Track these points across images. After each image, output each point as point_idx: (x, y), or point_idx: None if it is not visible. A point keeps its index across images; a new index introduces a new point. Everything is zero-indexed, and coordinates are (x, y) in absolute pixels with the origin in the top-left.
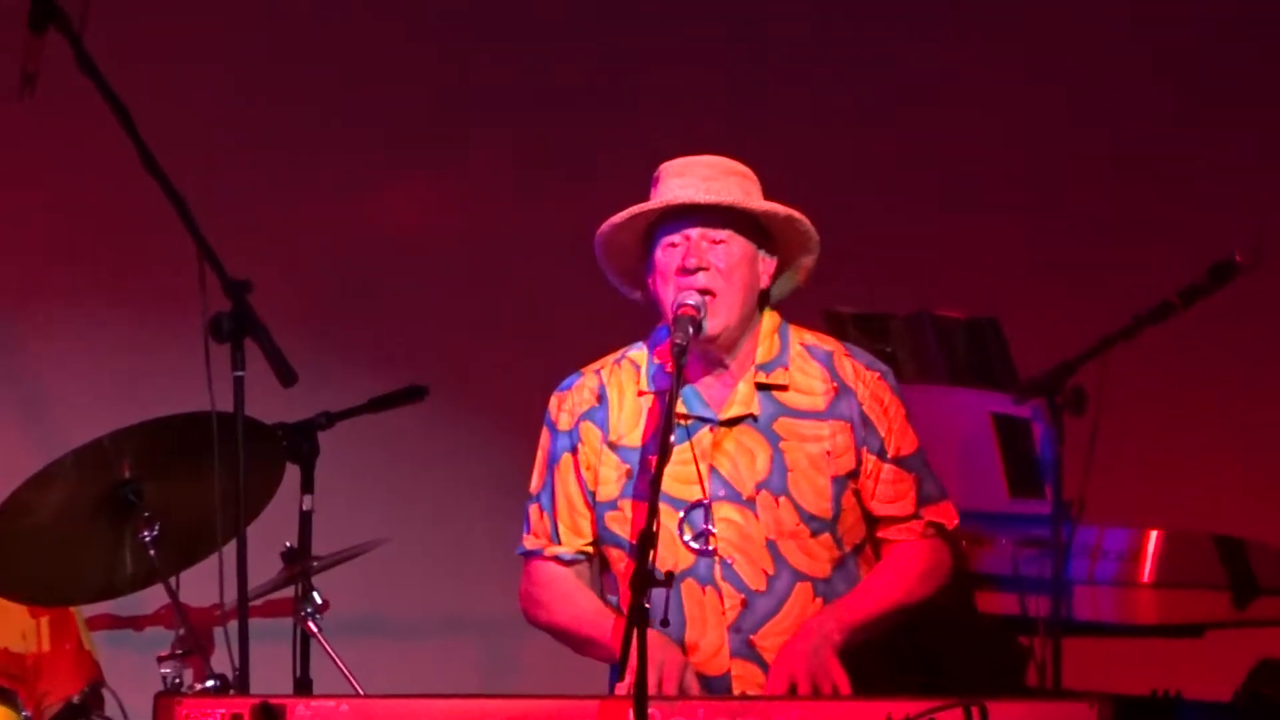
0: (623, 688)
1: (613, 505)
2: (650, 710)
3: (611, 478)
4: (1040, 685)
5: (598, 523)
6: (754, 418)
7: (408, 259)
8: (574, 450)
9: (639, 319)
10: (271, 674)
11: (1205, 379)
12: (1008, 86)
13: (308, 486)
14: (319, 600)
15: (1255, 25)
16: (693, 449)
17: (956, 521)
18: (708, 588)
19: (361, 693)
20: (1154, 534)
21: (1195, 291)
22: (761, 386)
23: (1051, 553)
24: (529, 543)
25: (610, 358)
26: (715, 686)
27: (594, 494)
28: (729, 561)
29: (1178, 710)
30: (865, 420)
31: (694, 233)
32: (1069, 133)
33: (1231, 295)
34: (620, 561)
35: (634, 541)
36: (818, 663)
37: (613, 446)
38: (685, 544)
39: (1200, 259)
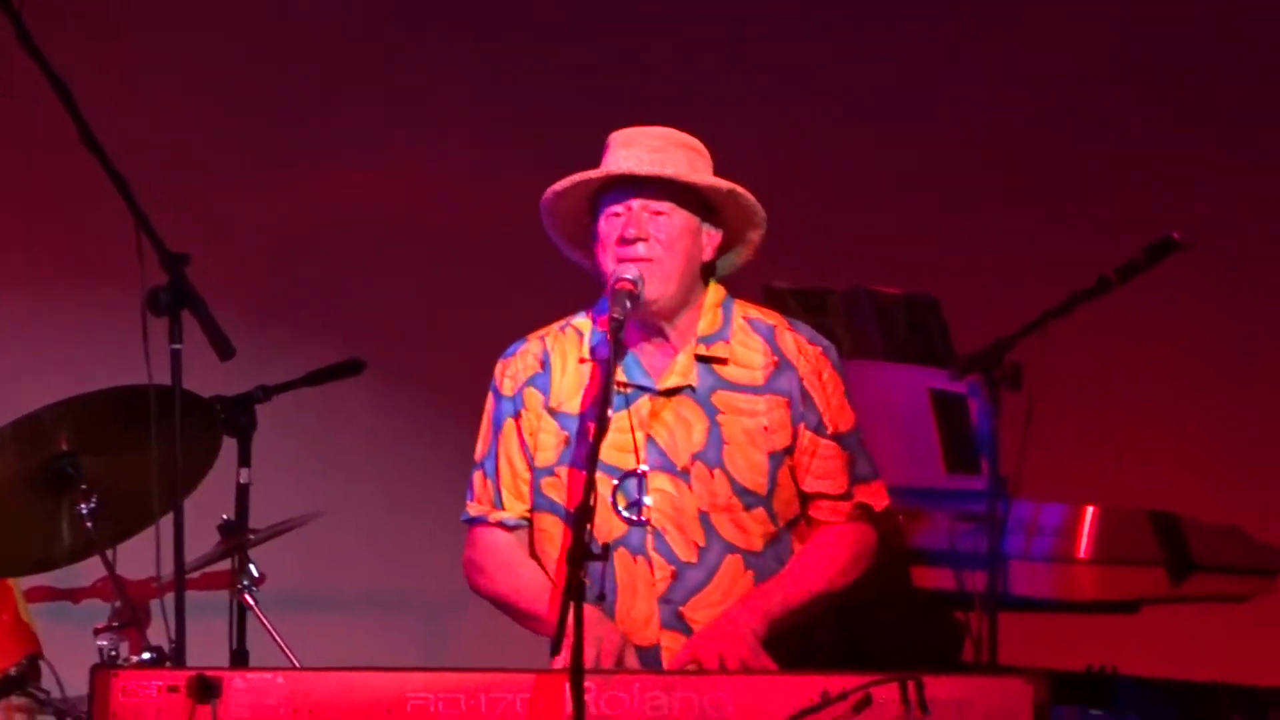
0: (559, 662)
1: (550, 472)
2: (586, 684)
3: (550, 444)
4: (976, 660)
5: (534, 488)
6: (692, 389)
7: (349, 235)
8: (517, 416)
9: (582, 297)
10: (208, 646)
11: (1142, 356)
12: (959, 70)
13: (245, 460)
14: (256, 573)
15: (1209, 23)
16: (630, 418)
17: (886, 503)
18: (639, 558)
19: (298, 665)
20: (1090, 510)
21: (1132, 269)
22: (701, 359)
23: (988, 528)
24: (473, 509)
25: (555, 325)
26: (645, 657)
27: (534, 459)
28: (661, 532)
29: (1113, 686)
30: (805, 395)
31: (635, 203)
32: (1019, 111)
33: (1168, 274)
34: (554, 528)
35: (569, 509)
36: (744, 648)
37: (552, 413)
38: (618, 513)
39: (1140, 240)
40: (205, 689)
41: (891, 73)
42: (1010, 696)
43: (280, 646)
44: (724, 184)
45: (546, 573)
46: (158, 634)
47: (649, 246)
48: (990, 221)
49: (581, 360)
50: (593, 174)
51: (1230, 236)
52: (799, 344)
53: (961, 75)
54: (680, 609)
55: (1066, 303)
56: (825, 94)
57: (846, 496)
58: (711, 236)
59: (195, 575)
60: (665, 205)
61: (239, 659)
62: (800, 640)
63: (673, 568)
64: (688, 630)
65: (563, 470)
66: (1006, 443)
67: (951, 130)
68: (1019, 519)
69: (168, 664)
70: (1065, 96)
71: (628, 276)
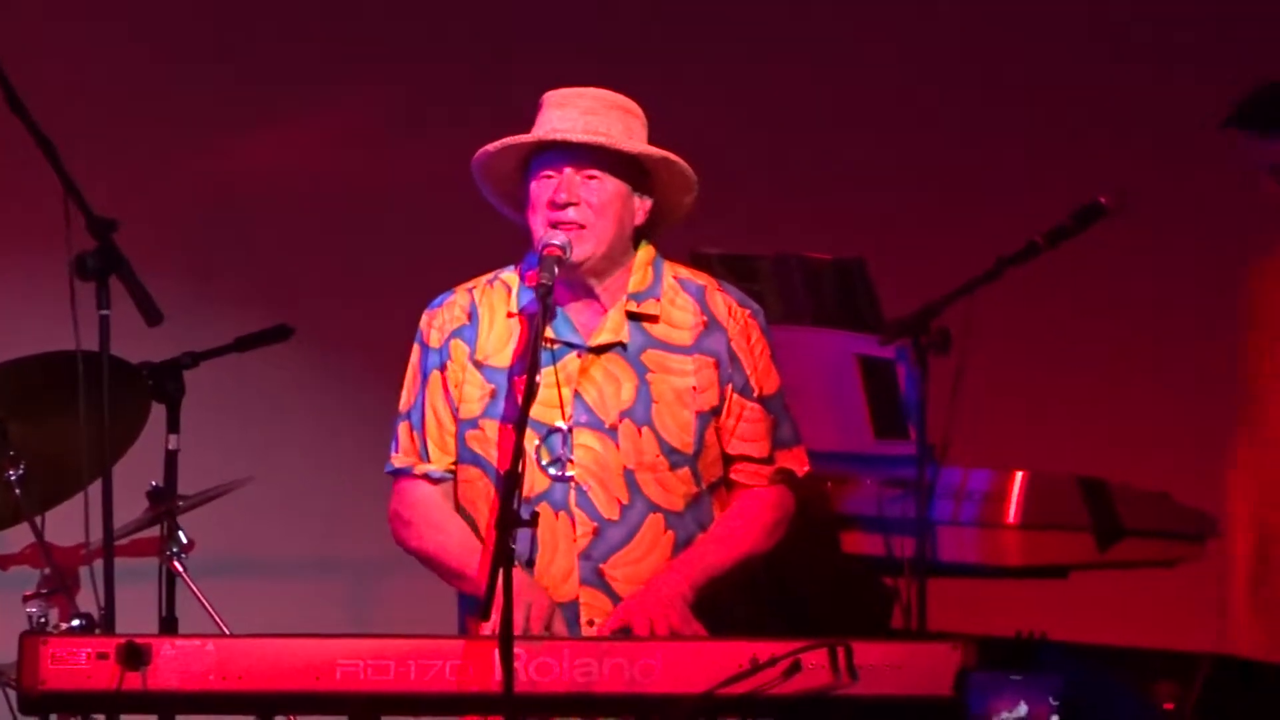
0: (487, 628)
1: (474, 424)
2: (516, 650)
3: (475, 396)
4: (905, 626)
5: (459, 440)
6: (623, 346)
7: (277, 200)
8: (443, 367)
9: (509, 252)
10: (137, 613)
11: (1071, 320)
12: (892, 34)
13: (173, 426)
14: (184, 540)
15: None
16: (556, 374)
17: (807, 468)
18: (561, 513)
19: (227, 632)
20: (1018, 475)
21: (1060, 233)
22: (632, 316)
23: (916, 494)
24: (398, 460)
25: (483, 278)
26: (564, 613)
27: (458, 411)
28: (584, 488)
29: (1042, 651)
30: (732, 357)
31: (568, 169)
32: (943, 76)
33: (1097, 239)
34: (479, 480)
35: (493, 464)
36: (674, 613)
37: (478, 365)
38: (541, 468)
39: (1069, 205)
40: (134, 656)
41: (823, 37)
42: (938, 662)
43: (209, 613)
44: (657, 151)
45: (473, 524)
46: (87, 601)
47: (579, 211)
48: (921, 184)
49: (509, 315)
50: (524, 138)
51: (1160, 203)
52: (729, 305)
53: (894, 39)
54: (600, 566)
55: (994, 268)
56: (758, 59)
57: (768, 461)
58: (642, 202)
59: (124, 542)
60: (597, 170)
61: (168, 626)
62: (729, 606)
63: (594, 524)
64: (607, 587)
65: (487, 424)
66: (935, 408)
67: (882, 92)
68: (947, 485)
69: (97, 631)
70: (995, 58)
71: (555, 243)
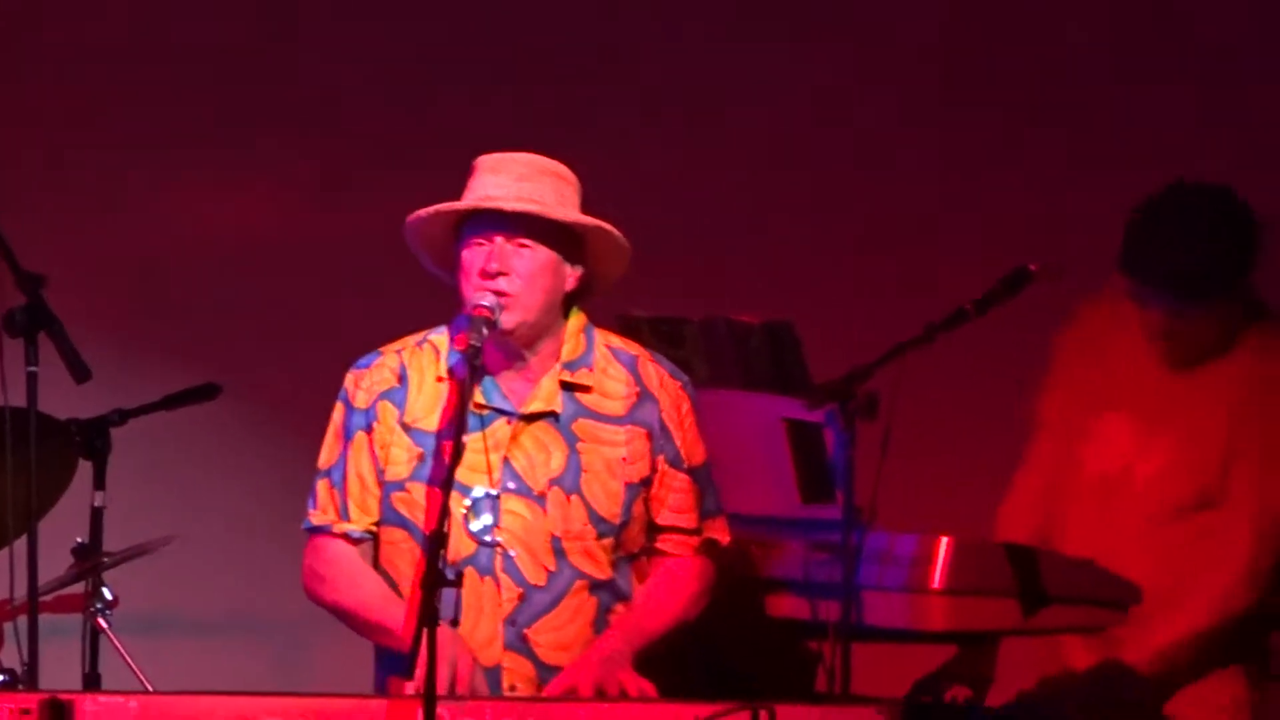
0: (412, 688)
1: (400, 486)
2: (439, 710)
3: (402, 459)
4: (830, 690)
5: (383, 502)
6: (555, 415)
7: (205, 258)
8: (369, 429)
9: (433, 322)
10: (61, 670)
11: (999, 387)
12: (816, 89)
13: (100, 483)
14: (109, 596)
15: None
16: (485, 440)
17: (729, 538)
18: (486, 578)
19: (151, 689)
20: (944, 540)
21: (989, 299)
22: (565, 385)
23: (843, 558)
24: (316, 518)
25: (411, 339)
26: (487, 678)
27: (384, 473)
28: (511, 554)
29: (966, 716)
30: (664, 428)
31: (499, 238)
32: (868, 134)
33: (1028, 303)
34: (404, 543)
35: (420, 526)
36: (611, 670)
37: (406, 428)
38: (469, 533)
39: (1000, 266)
40: (58, 712)
41: (746, 95)
42: None
43: (133, 670)
44: (590, 220)
45: (394, 586)
46: (10, 657)
47: (509, 281)
48: (852, 243)
49: (439, 379)
50: (456, 206)
51: (1087, 261)
52: (660, 377)
53: (819, 94)
54: (525, 631)
55: (924, 334)
56: (682, 119)
57: (697, 531)
58: (574, 270)
59: (48, 598)
60: (528, 240)
61: (91, 682)
62: (654, 670)
63: (520, 590)
64: (530, 653)
65: (414, 486)
66: (862, 472)
67: (812, 152)
68: (874, 549)
69: (20, 687)
70: (920, 108)
71: (484, 304)
